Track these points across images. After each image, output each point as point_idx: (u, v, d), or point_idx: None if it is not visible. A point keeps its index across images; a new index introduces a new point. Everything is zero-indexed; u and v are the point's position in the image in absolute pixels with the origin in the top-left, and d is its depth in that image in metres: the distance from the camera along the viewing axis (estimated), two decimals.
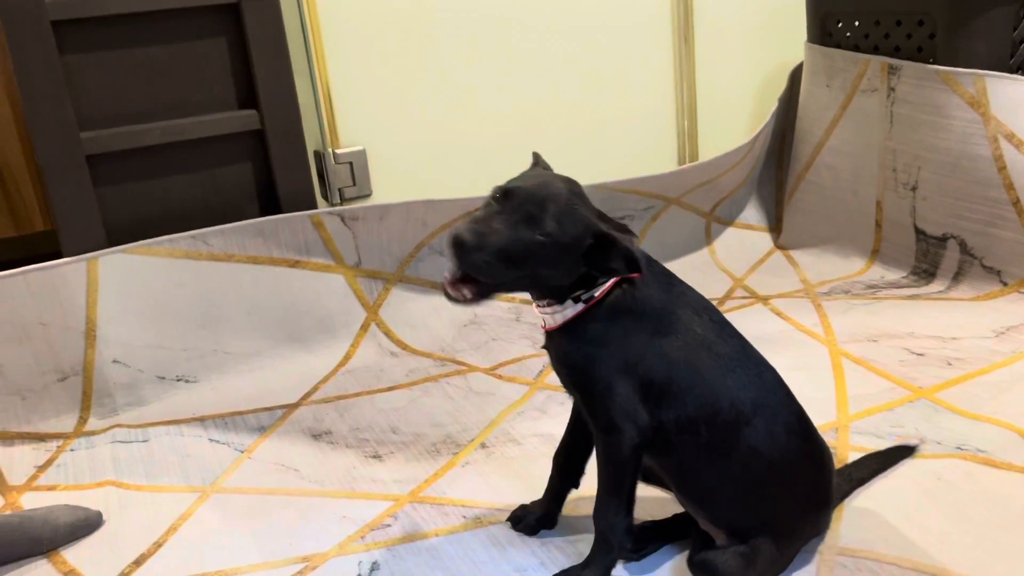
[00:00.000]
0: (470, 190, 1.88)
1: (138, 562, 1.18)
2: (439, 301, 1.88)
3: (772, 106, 2.21)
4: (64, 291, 1.55)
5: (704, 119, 2.23)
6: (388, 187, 1.90)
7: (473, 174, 1.98)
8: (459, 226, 0.93)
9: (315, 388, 1.65)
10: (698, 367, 0.98)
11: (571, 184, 1.00)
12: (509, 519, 1.19)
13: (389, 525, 1.22)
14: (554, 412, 1.48)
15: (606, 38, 2.08)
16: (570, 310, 1.00)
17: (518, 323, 1.87)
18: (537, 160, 1.09)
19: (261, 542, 1.20)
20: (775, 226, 2.24)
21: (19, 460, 1.48)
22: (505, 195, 0.96)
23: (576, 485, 1.16)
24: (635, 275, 0.96)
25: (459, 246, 0.92)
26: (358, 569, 1.13)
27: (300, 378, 1.68)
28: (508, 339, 1.80)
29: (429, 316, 1.85)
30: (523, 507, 1.19)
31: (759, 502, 1.00)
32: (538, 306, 1.02)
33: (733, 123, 2.28)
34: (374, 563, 1.14)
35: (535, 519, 1.17)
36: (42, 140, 1.51)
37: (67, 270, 1.55)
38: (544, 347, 1.06)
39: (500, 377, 1.64)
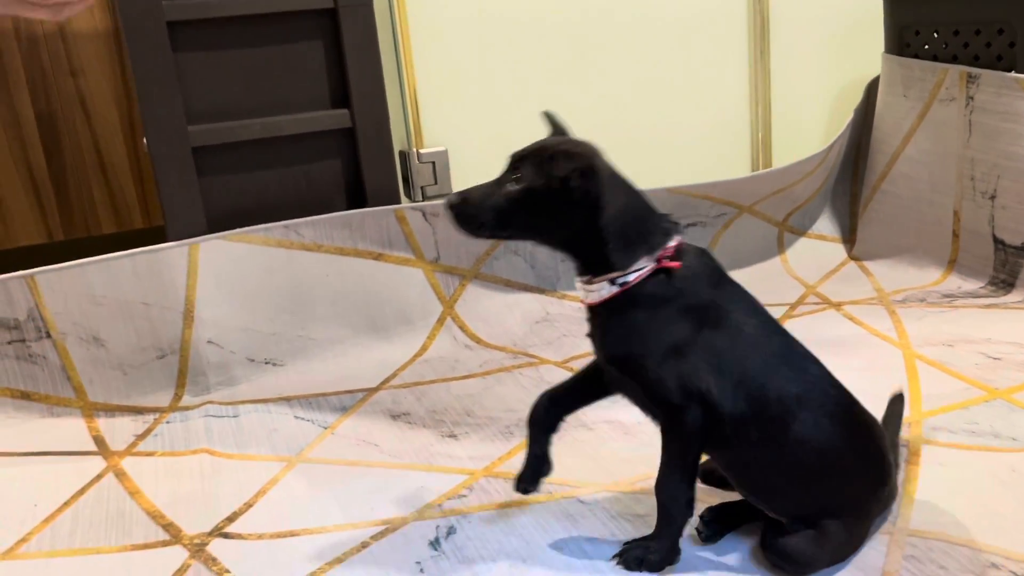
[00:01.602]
0: None
1: (230, 519, 1.26)
2: (513, 298, 1.96)
3: (847, 117, 2.22)
4: (167, 274, 1.66)
5: (778, 129, 2.25)
6: (467, 187, 1.97)
7: None
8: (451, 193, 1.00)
9: (394, 375, 1.72)
10: (745, 363, 1.00)
11: (579, 144, 1.01)
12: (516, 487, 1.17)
13: (465, 496, 1.27)
14: (624, 401, 1.51)
15: (682, 45, 2.13)
16: (605, 291, 1.00)
17: None
18: (552, 121, 1.10)
19: (344, 506, 1.26)
20: (849, 237, 2.24)
21: (120, 429, 1.58)
22: (510, 161, 1.01)
23: (556, 430, 1.17)
24: (673, 264, 0.98)
25: (448, 209, 0.99)
26: (436, 532, 1.18)
27: (379, 365, 1.76)
28: (579, 335, 1.84)
29: (503, 312, 1.91)
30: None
31: (816, 490, 1.02)
32: (578, 279, 1.04)
33: (807, 134, 2.29)
34: (451, 527, 1.19)
35: (531, 472, 1.16)
36: (154, 132, 1.64)
37: (171, 254, 1.66)
38: (588, 321, 1.06)
39: (571, 369, 1.68)
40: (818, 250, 2.22)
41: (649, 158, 2.15)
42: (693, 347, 0.99)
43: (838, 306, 1.90)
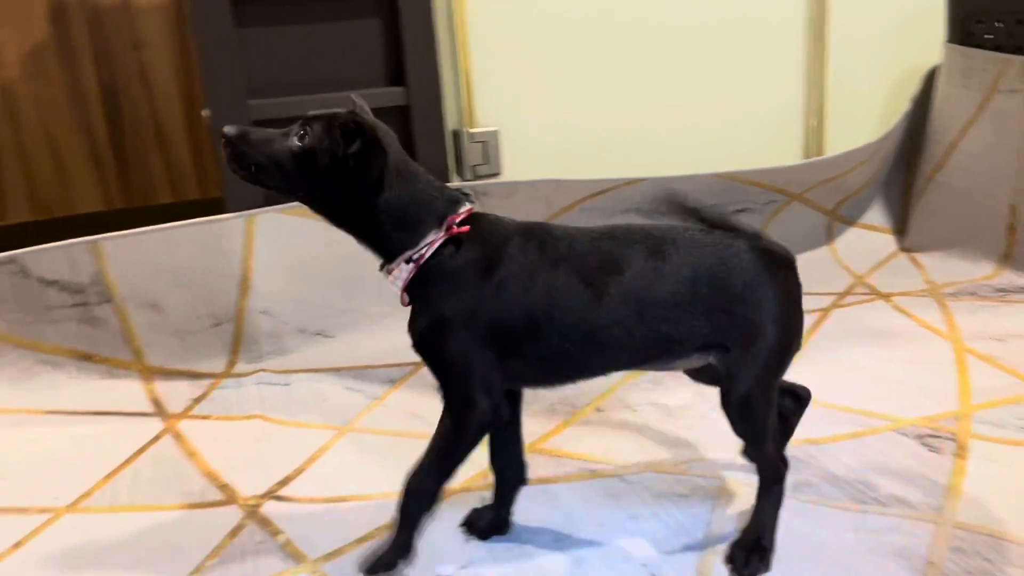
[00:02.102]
0: (595, 172, 1.96)
1: (283, 482, 1.30)
2: None
3: (904, 107, 2.18)
4: (224, 244, 1.71)
5: (832, 117, 2.23)
6: (517, 167, 1.99)
7: (598, 158, 2.05)
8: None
9: None
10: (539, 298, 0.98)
11: (372, 121, 0.99)
12: (463, 523, 1.16)
13: None
14: (669, 384, 1.52)
15: (738, 30, 2.12)
16: (405, 272, 0.99)
17: None
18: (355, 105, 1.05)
19: (391, 475, 1.28)
20: (900, 228, 2.21)
21: (177, 393, 1.64)
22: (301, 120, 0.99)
23: (524, 481, 1.14)
24: (462, 229, 0.96)
25: (223, 139, 0.97)
26: (481, 503, 1.21)
27: None
28: None
29: None
30: (476, 511, 1.16)
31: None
32: (382, 273, 1.02)
33: (862, 123, 2.26)
34: None
35: (487, 523, 1.15)
36: (216, 106, 1.68)
37: (228, 225, 1.70)
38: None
39: None
40: (868, 240, 2.19)
41: (699, 142, 2.14)
42: (484, 312, 0.97)
43: (887, 297, 1.88)
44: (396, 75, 1.79)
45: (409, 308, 1.03)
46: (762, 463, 1.07)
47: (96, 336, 1.69)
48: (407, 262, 0.99)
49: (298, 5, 1.70)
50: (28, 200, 2.40)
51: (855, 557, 1.05)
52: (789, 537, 1.09)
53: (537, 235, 1.01)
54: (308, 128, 0.97)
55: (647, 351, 1.01)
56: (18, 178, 2.38)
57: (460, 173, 1.96)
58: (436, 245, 0.98)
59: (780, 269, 1.02)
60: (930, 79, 2.18)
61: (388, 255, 1.01)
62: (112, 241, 1.66)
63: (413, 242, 0.98)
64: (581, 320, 0.98)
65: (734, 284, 0.99)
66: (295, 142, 0.97)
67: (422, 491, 1.02)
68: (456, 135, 1.94)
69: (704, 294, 0.98)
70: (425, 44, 1.78)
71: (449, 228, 0.98)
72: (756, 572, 1.03)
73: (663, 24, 2.06)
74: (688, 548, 1.09)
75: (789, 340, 1.03)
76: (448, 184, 1.03)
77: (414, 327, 1.01)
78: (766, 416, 1.03)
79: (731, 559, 1.05)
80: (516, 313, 0.98)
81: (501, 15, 1.93)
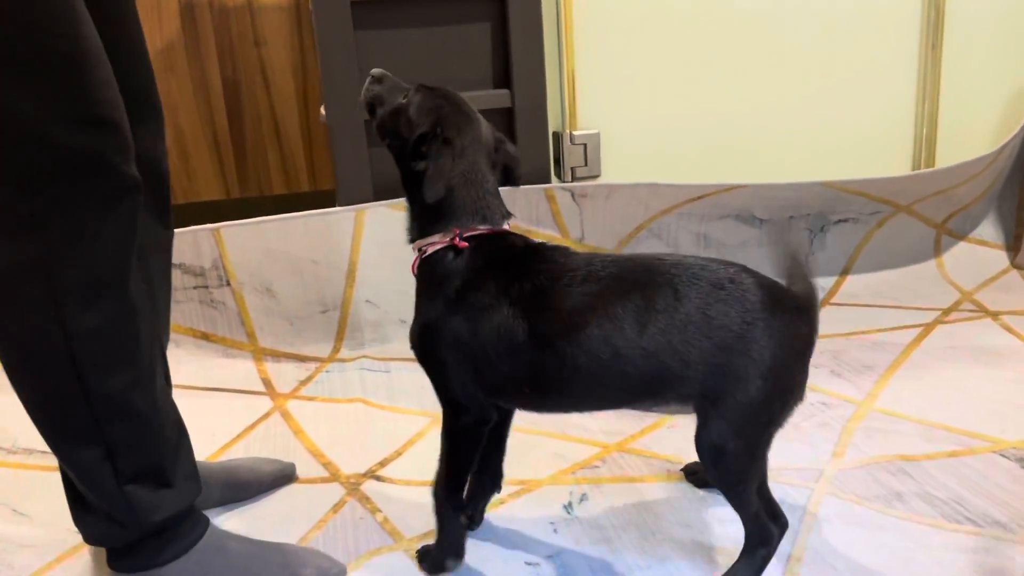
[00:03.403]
0: (694, 177, 1.96)
1: (382, 463, 1.37)
2: None
3: (1021, 120, 2.10)
4: (335, 236, 1.80)
5: (945, 128, 2.16)
6: (616, 170, 2.01)
7: (697, 163, 2.05)
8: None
9: None
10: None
11: (467, 116, 1.06)
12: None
13: (597, 467, 1.34)
14: None
15: (850, 36, 2.08)
16: (416, 256, 1.04)
17: None
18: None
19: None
20: (1013, 244, 2.13)
21: (285, 374, 1.74)
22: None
23: (498, 488, 1.19)
24: (458, 242, 0.99)
25: (372, 78, 1.09)
26: (569, 497, 1.25)
27: None
28: None
29: None
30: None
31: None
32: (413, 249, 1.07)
33: (976, 135, 2.19)
34: (584, 494, 1.26)
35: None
36: (333, 105, 1.77)
37: (340, 217, 1.79)
38: None
39: None
40: (978, 256, 2.13)
41: (804, 149, 2.11)
42: (454, 331, 0.99)
43: (995, 315, 1.83)
44: (502, 78, 1.85)
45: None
46: (744, 518, 1.01)
47: (214, 317, 1.81)
48: (417, 249, 1.05)
49: (413, 9, 1.77)
50: None
51: (943, 574, 1.04)
52: (874, 550, 1.09)
53: (532, 272, 0.99)
54: (414, 95, 1.06)
55: (617, 399, 1.01)
56: None
57: (559, 175, 2.00)
58: (436, 248, 1.03)
59: (787, 313, 0.94)
60: None
61: (413, 233, 1.06)
62: (232, 229, 1.78)
63: (425, 232, 1.04)
64: (526, 364, 0.98)
65: (724, 327, 0.92)
66: (400, 100, 1.06)
67: (441, 495, 1.09)
68: (557, 137, 1.98)
69: (693, 340, 0.92)
70: (532, 48, 1.82)
71: (453, 237, 1.02)
72: None
73: (769, 28, 2.05)
74: (776, 556, 1.10)
75: (780, 395, 0.95)
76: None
77: (411, 328, 1.07)
78: (744, 469, 0.97)
79: None
80: (472, 341, 0.99)
81: (607, 20, 1.95)
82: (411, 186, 1.04)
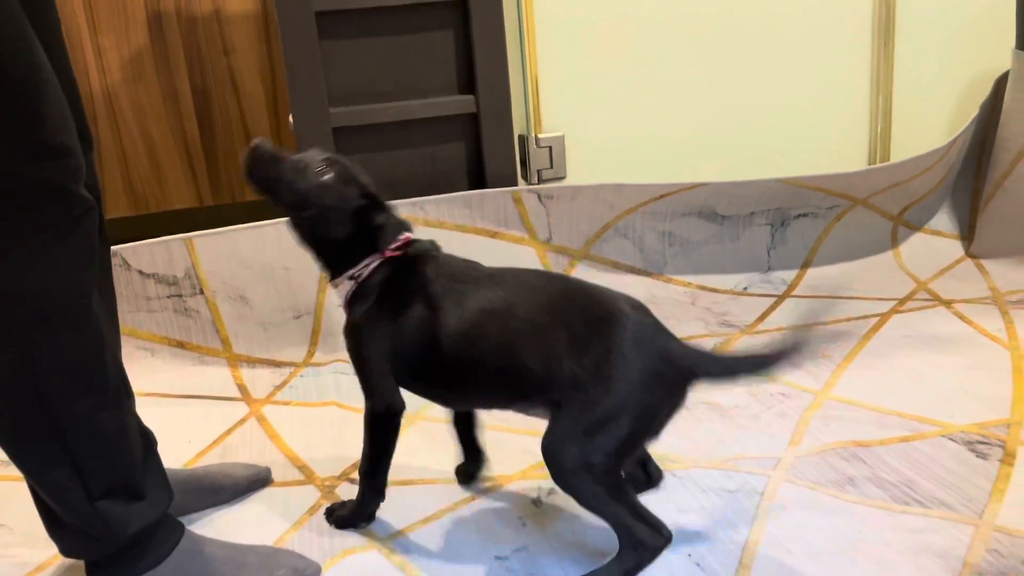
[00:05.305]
0: (657, 176, 2.02)
1: (355, 466, 1.40)
2: (620, 280, 2.04)
3: (972, 113, 2.17)
4: None
5: (899, 122, 2.23)
6: (581, 171, 2.06)
7: (661, 162, 2.10)
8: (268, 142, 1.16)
9: None
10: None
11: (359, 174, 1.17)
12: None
13: None
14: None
15: (803, 35, 2.14)
16: (347, 286, 1.16)
17: (693, 306, 1.98)
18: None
19: (457, 461, 1.39)
20: (967, 234, 2.20)
21: (260, 379, 1.77)
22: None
23: (485, 459, 1.35)
24: (396, 252, 1.13)
25: (252, 150, 1.15)
26: (538, 492, 1.30)
27: None
28: (683, 319, 1.91)
29: None
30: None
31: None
32: (333, 287, 1.19)
33: (929, 128, 2.26)
34: (551, 489, 1.30)
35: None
36: (299, 112, 1.80)
37: None
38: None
39: None
40: (933, 246, 2.20)
41: (763, 147, 2.17)
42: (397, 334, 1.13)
43: (948, 304, 1.89)
44: (467, 84, 1.89)
45: None
46: (612, 525, 1.07)
47: (189, 325, 1.84)
48: (350, 279, 1.16)
49: (377, 18, 1.80)
50: (127, 196, 2.58)
51: (892, 555, 1.10)
52: (827, 534, 1.14)
53: (442, 274, 1.14)
54: (324, 168, 1.14)
55: (494, 397, 1.16)
56: (118, 176, 2.56)
57: (526, 177, 2.05)
58: (372, 267, 1.15)
59: (653, 343, 1.04)
60: (1001, 85, 2.16)
61: (335, 273, 1.18)
62: (204, 238, 1.80)
63: (354, 264, 1.16)
64: (428, 356, 1.12)
65: (584, 348, 1.02)
66: (320, 179, 1.13)
67: (362, 477, 1.23)
68: (523, 140, 2.02)
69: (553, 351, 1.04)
70: (495, 54, 1.86)
71: (383, 254, 1.15)
72: None
73: (725, 30, 2.10)
74: (733, 541, 1.15)
75: (639, 422, 1.02)
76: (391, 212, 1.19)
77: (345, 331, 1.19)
78: (593, 479, 1.03)
79: None
80: (390, 338, 1.14)
81: (569, 24, 2.00)
82: (318, 241, 1.17)
